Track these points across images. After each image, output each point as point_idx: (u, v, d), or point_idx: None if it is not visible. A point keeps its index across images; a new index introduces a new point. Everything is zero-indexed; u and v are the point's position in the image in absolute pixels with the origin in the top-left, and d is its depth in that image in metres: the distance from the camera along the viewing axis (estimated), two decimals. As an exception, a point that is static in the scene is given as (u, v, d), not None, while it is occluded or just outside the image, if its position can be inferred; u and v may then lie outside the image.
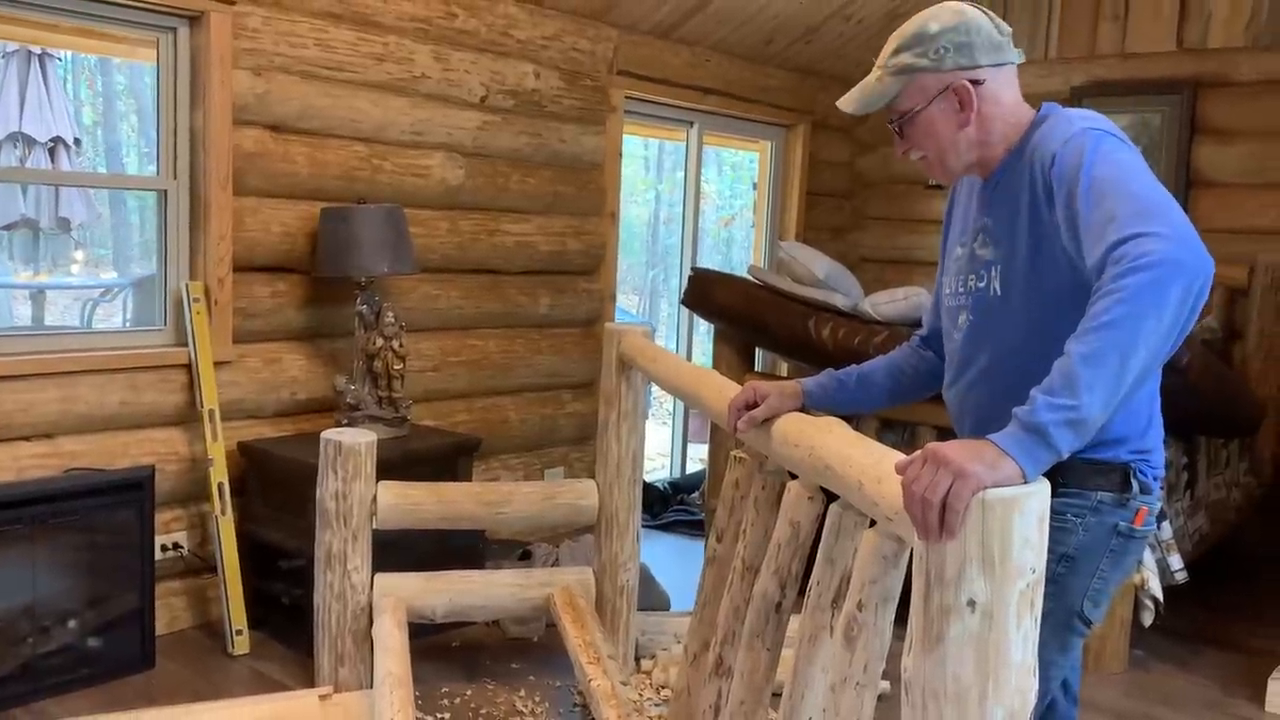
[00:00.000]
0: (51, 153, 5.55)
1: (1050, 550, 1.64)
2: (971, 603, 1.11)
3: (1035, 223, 1.63)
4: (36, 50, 5.39)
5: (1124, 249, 1.34)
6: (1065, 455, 1.26)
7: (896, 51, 1.71)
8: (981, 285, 1.73)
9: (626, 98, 4.71)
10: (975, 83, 1.67)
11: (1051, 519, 1.64)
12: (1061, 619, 1.68)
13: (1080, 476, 1.64)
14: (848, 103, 1.77)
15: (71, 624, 3.01)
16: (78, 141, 5.97)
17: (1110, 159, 1.50)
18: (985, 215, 1.74)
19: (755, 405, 1.88)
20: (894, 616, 1.39)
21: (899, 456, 1.33)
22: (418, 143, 3.92)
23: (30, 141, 5.47)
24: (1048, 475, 1.60)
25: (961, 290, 1.79)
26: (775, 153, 5.80)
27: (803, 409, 1.89)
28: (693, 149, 5.31)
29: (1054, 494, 1.64)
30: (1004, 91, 1.71)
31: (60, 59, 6.16)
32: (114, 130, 8.90)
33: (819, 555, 1.55)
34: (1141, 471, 1.68)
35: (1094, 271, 1.40)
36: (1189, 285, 1.30)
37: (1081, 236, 1.47)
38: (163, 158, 3.38)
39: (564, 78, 4.39)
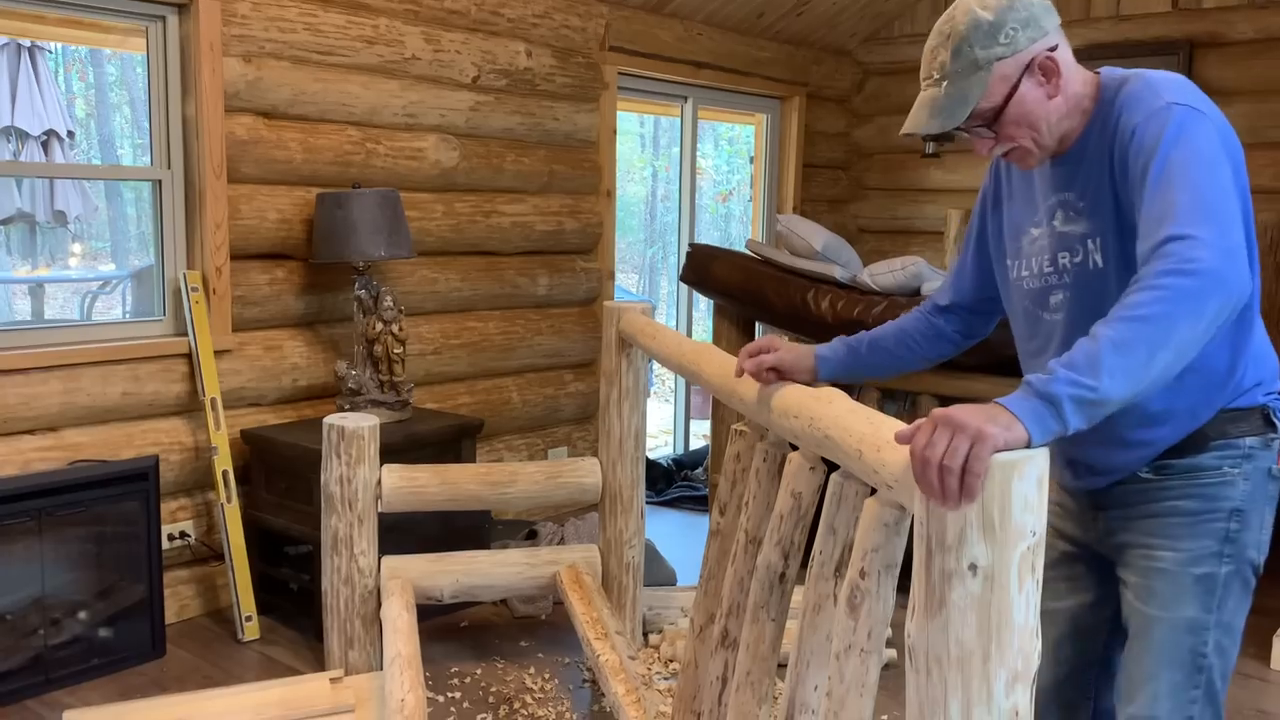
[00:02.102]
0: (45, 146, 5.53)
1: (1219, 509, 1.63)
2: (973, 567, 1.11)
3: (1120, 194, 1.58)
4: (26, 43, 5.37)
5: (1174, 246, 1.34)
6: (1070, 433, 1.24)
7: (958, 53, 1.58)
8: (1079, 260, 1.66)
9: (619, 74, 4.69)
10: (1051, 49, 1.60)
11: (1209, 475, 1.63)
12: (1244, 577, 1.65)
13: (1223, 426, 1.62)
14: (922, 124, 1.62)
15: (81, 615, 3.03)
16: (71, 134, 5.95)
17: (1188, 144, 1.46)
18: (1063, 190, 1.67)
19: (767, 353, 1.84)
20: (897, 584, 1.39)
21: (899, 425, 1.33)
22: (410, 125, 3.91)
23: (23, 135, 5.46)
24: (1191, 439, 1.56)
25: (1050, 269, 1.70)
26: (771, 126, 5.78)
27: (813, 374, 1.86)
28: (688, 124, 5.29)
29: (1203, 450, 1.62)
30: (1069, 55, 1.65)
31: (50, 51, 6.12)
32: (107, 122, 8.87)
33: (821, 525, 1.55)
34: (1279, 410, 1.66)
35: (1141, 258, 1.40)
36: (1225, 302, 1.32)
37: (1141, 217, 1.45)
38: (156, 147, 3.37)
39: (556, 55, 4.37)
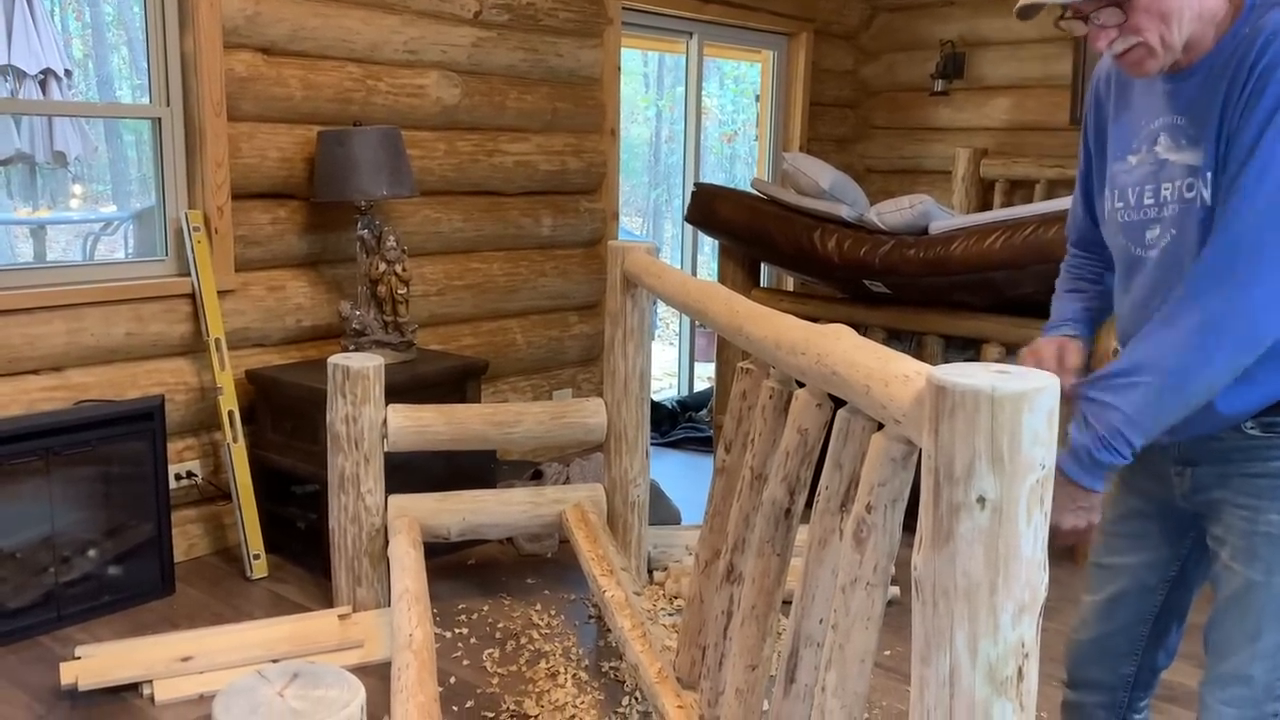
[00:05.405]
0: (42, 85, 5.45)
1: None
2: (981, 499, 1.10)
3: (1226, 133, 1.45)
4: (20, -21, 5.27)
5: (1218, 276, 1.41)
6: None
7: None
8: (1190, 195, 1.50)
9: (624, 9, 4.61)
10: None
11: None
12: None
13: None
14: None
15: (91, 553, 3.06)
16: (69, 73, 5.87)
17: None
18: (1175, 113, 1.52)
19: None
20: (903, 520, 1.40)
21: (906, 360, 1.33)
22: (411, 62, 3.85)
23: (20, 75, 5.38)
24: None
25: (1150, 201, 1.56)
26: (777, 63, 5.69)
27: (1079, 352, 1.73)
28: (693, 60, 5.21)
29: None
30: None
31: (45, -12, 6.02)
32: (105, 63, 8.75)
33: (827, 460, 1.55)
34: None
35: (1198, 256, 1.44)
36: (1236, 360, 1.42)
37: (1226, 185, 1.41)
38: (155, 84, 3.32)
39: (559, -10, 4.30)
